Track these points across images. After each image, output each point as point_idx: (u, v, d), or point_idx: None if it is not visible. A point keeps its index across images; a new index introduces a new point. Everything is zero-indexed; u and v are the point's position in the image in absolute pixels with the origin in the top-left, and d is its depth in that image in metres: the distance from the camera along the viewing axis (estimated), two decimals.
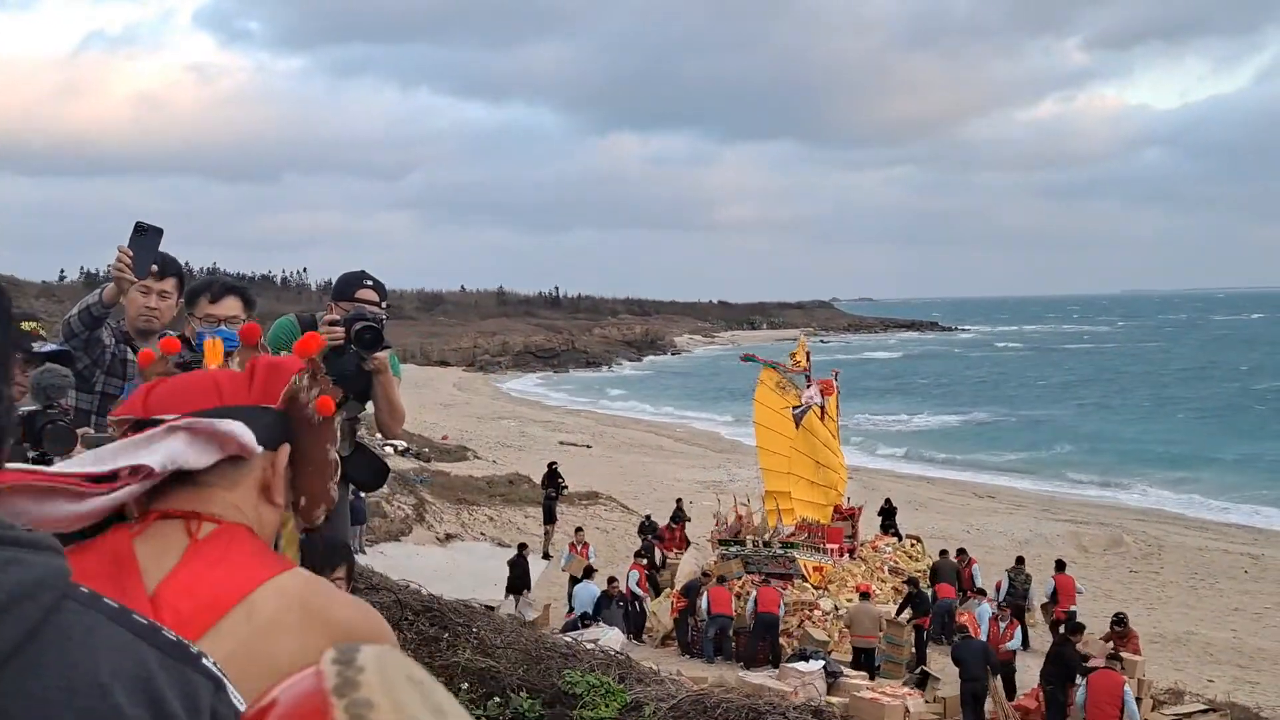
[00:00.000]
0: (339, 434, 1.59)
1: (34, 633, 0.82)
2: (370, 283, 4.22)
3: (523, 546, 21.88)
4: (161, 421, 1.47)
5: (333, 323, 3.96)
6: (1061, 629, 15.72)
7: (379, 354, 3.96)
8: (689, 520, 25.36)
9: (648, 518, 25.36)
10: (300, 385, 1.53)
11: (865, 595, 18.23)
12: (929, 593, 19.18)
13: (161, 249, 4.05)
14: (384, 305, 4.22)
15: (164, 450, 1.42)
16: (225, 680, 0.91)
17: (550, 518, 26.15)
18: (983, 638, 17.15)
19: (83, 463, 1.44)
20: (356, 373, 3.90)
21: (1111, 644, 15.99)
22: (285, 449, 1.52)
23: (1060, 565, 21.12)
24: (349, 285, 4.21)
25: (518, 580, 20.11)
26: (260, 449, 1.47)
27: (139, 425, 1.50)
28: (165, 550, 1.43)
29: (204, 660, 0.92)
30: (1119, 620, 16.51)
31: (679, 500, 26.55)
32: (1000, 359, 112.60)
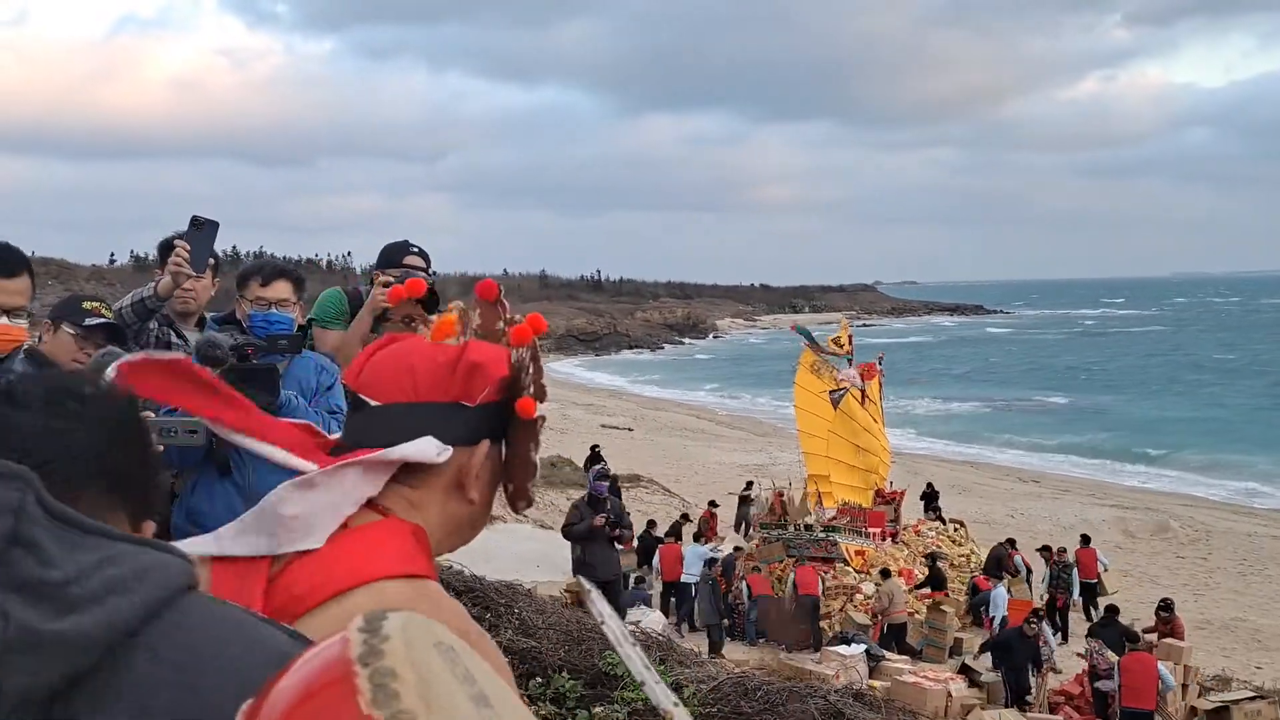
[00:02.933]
0: (539, 435, 1.52)
1: (168, 603, 0.85)
2: (415, 249, 4.31)
3: (651, 524, 21.82)
4: (363, 403, 1.43)
5: (386, 284, 4.02)
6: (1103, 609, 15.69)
7: (434, 317, 3.99)
8: (752, 503, 25.13)
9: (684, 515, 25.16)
10: (521, 383, 1.45)
11: (886, 573, 18.41)
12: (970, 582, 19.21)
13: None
14: (431, 272, 4.29)
15: (328, 499, 1.37)
16: None
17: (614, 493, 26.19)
18: (996, 622, 17.19)
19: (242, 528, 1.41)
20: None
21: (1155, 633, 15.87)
22: (484, 445, 1.44)
23: (1085, 540, 21.12)
24: (394, 253, 4.31)
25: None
26: (449, 451, 1.41)
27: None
28: None
29: None
30: (1165, 606, 16.36)
31: (749, 484, 26.26)
32: (1047, 343, 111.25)
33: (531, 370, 1.48)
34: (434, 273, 4.37)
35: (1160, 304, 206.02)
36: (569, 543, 14.20)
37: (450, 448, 1.41)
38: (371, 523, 1.39)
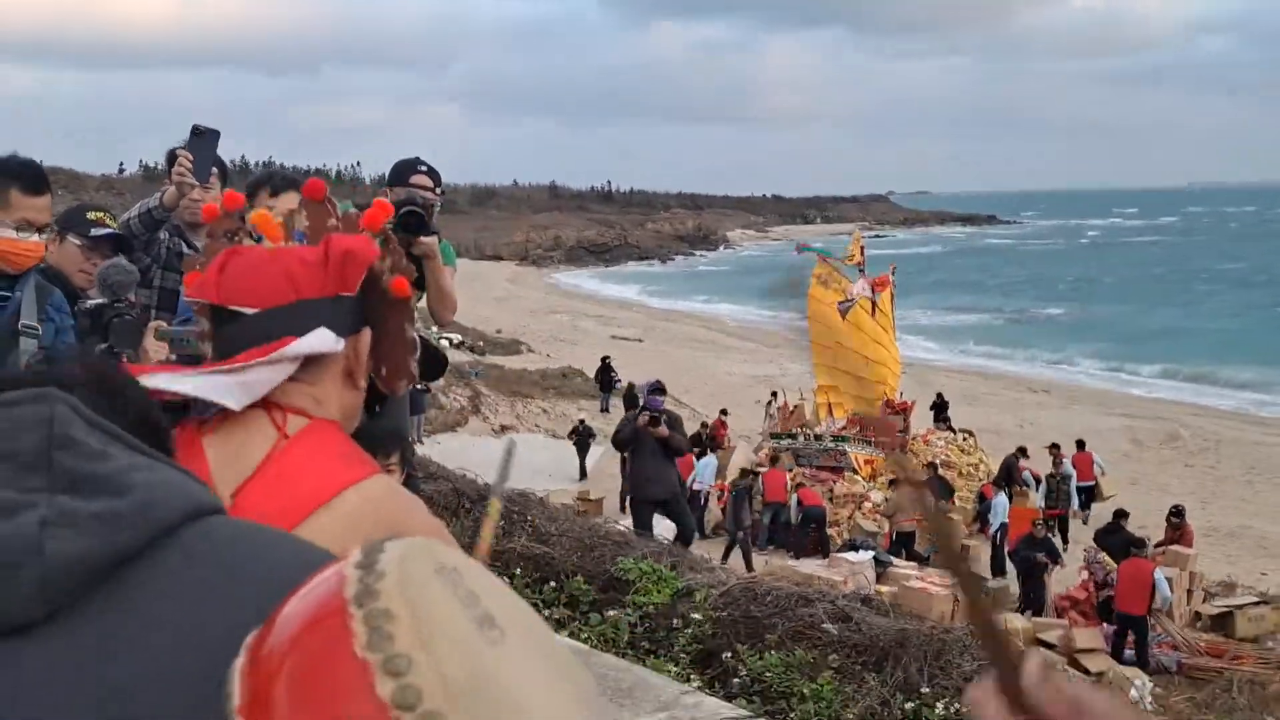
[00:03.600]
0: (414, 312, 1.56)
1: (204, 513, 0.86)
2: (424, 168, 4.25)
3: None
4: (235, 314, 1.43)
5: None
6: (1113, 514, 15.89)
7: (425, 239, 3.97)
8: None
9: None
10: (379, 268, 1.49)
11: (895, 482, 18.57)
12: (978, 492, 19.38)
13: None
14: (439, 191, 4.24)
15: (244, 387, 1.38)
16: None
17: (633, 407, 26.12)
18: (994, 529, 17.42)
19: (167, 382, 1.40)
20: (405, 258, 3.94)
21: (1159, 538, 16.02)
22: (366, 333, 1.48)
23: (1080, 444, 21.25)
24: (403, 171, 4.24)
25: None
26: (341, 342, 1.43)
27: (215, 311, 1.47)
28: (247, 447, 1.39)
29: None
30: (1176, 512, 16.50)
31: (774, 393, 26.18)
32: (1058, 253, 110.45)
33: (390, 254, 1.52)
34: (442, 191, 4.32)
35: (1176, 213, 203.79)
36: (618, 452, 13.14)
37: (342, 339, 1.44)
38: (306, 427, 1.41)
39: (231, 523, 0.90)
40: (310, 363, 1.43)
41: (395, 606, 0.58)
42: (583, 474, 22.79)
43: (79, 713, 0.74)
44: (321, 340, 1.40)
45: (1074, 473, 20.05)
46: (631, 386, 27.05)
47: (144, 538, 0.81)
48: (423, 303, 4.84)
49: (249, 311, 1.42)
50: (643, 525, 11.01)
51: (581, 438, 23.50)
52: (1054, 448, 20.86)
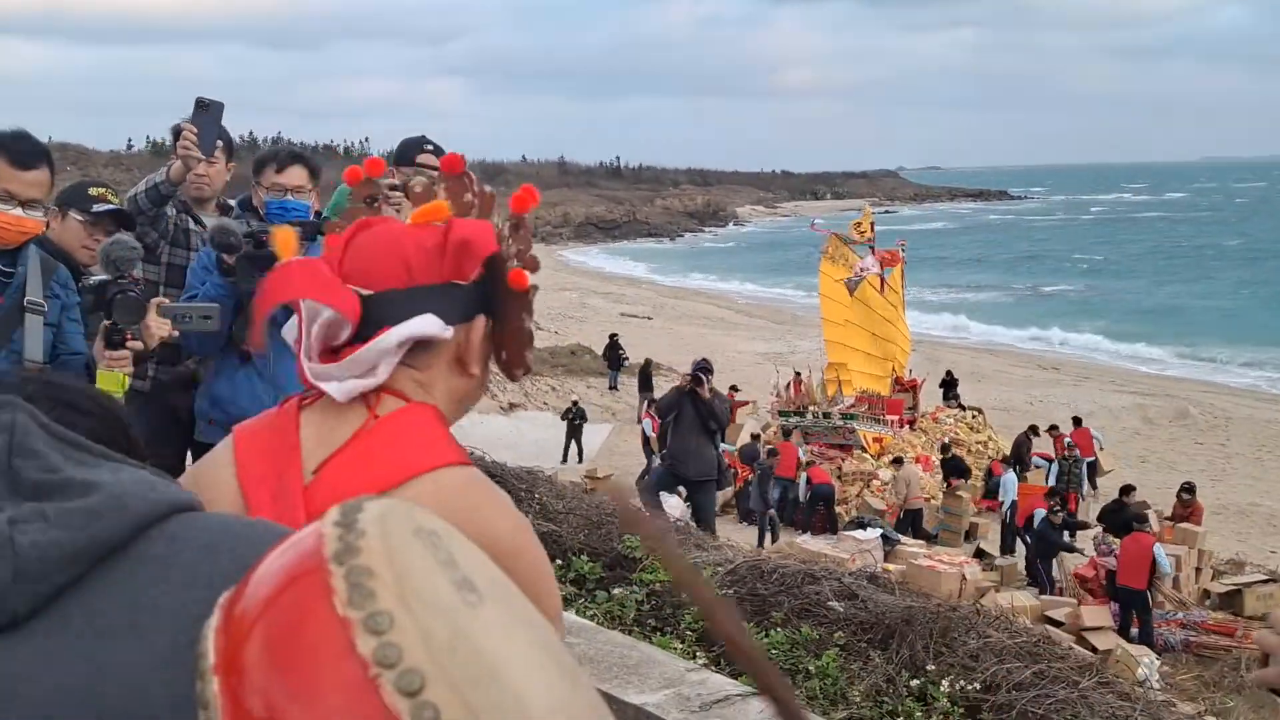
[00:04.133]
0: (533, 306, 1.54)
1: (184, 506, 0.86)
2: (430, 147, 4.29)
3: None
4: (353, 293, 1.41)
5: (393, 188, 4.01)
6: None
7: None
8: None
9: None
10: (505, 253, 1.47)
11: (900, 461, 18.67)
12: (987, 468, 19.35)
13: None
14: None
15: (351, 379, 1.39)
16: None
17: (647, 385, 26.12)
18: (1005, 507, 17.41)
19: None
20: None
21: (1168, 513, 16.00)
22: (480, 321, 1.46)
23: (1077, 421, 21.36)
24: (409, 150, 4.28)
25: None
26: (450, 329, 1.42)
27: None
28: (339, 424, 1.39)
29: None
30: (1187, 489, 16.48)
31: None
32: (1069, 229, 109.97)
33: (517, 241, 1.50)
34: None
35: (1189, 187, 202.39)
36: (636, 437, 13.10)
37: (451, 327, 1.42)
38: (399, 409, 1.40)
39: (212, 515, 0.89)
40: (419, 347, 1.42)
41: (376, 564, 0.57)
42: (574, 458, 21.99)
43: (75, 701, 0.73)
44: (425, 325, 1.39)
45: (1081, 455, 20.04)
46: (647, 364, 27.12)
47: (123, 529, 0.80)
48: None
49: (365, 292, 1.41)
50: (656, 492, 11.01)
51: (573, 419, 22.77)
52: (1053, 429, 20.83)
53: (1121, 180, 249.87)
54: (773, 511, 17.53)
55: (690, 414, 10.95)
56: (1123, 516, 14.49)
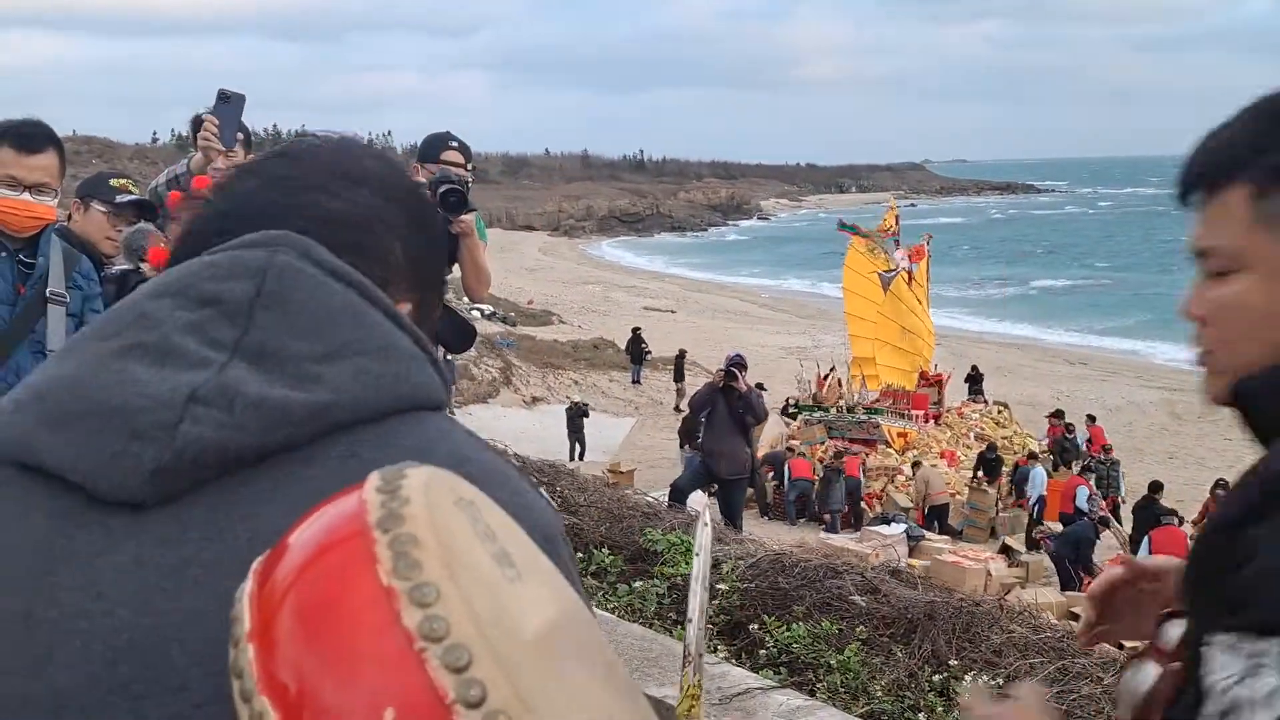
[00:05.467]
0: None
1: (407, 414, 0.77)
2: (455, 144, 4.29)
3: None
4: None
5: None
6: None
7: (464, 217, 4.00)
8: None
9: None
10: None
11: (917, 464, 18.80)
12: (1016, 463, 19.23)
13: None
14: (469, 167, 4.27)
15: None
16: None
17: (680, 376, 26.56)
18: (1032, 502, 17.32)
19: None
20: (442, 235, 3.95)
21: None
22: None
23: (1091, 419, 21.54)
24: (433, 147, 4.27)
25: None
26: None
27: None
28: None
29: None
30: (1223, 485, 16.25)
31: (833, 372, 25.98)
32: (1098, 222, 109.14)
33: None
34: (473, 167, 4.33)
35: None
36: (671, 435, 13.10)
37: None
38: None
39: (446, 428, 0.80)
40: None
41: (422, 533, 0.54)
42: (579, 455, 21.45)
43: (170, 596, 0.68)
44: None
45: (1119, 460, 19.89)
46: (681, 355, 27.30)
47: (307, 436, 0.73)
48: (456, 274, 4.87)
49: None
50: (683, 492, 10.98)
51: (574, 417, 22.32)
52: (1090, 419, 20.72)
53: (1150, 173, 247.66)
54: (829, 516, 17.61)
55: (723, 410, 10.86)
56: (1151, 512, 14.38)
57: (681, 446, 19.39)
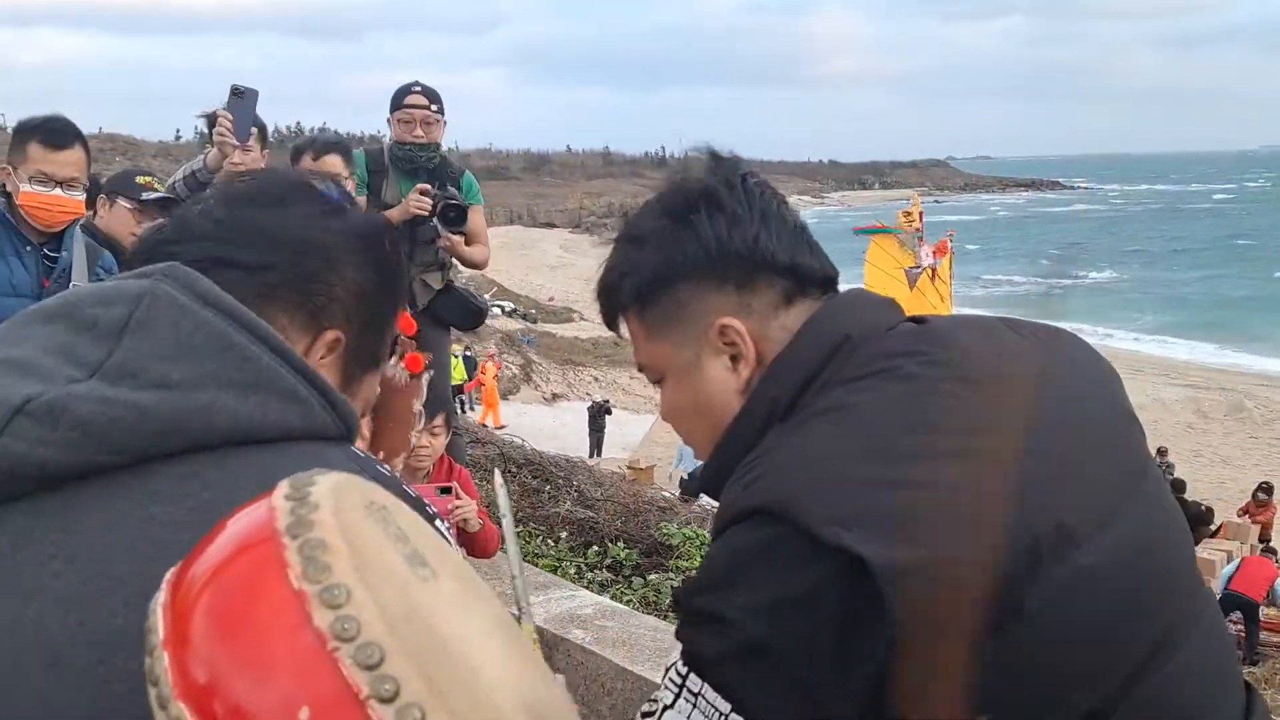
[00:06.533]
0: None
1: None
2: (419, 88, 4.49)
3: None
4: None
5: (424, 192, 4.29)
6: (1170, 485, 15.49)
7: (453, 236, 4.28)
8: None
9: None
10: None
11: None
12: None
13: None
14: (435, 109, 4.49)
15: None
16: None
17: None
18: None
19: None
20: (396, 279, 4.12)
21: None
22: None
23: None
24: (399, 95, 4.49)
25: None
26: None
27: None
28: None
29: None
30: (1265, 488, 15.81)
31: None
32: (1121, 218, 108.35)
33: (401, 347, 1.60)
34: (440, 110, 4.49)
35: (1247, 176, 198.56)
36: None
37: None
38: None
39: (298, 451, 0.82)
40: None
41: (331, 538, 0.55)
42: (597, 453, 21.43)
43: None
44: None
45: (1174, 464, 19.41)
46: None
47: (139, 456, 0.76)
48: (465, 272, 4.95)
49: None
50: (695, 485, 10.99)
51: (596, 415, 22.35)
52: None
53: (1175, 169, 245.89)
54: None
55: None
56: (1184, 511, 14.18)
57: None
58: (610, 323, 1.22)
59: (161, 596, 0.59)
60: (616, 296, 1.18)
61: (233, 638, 0.54)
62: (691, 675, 0.95)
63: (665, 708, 0.97)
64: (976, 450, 0.79)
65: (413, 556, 0.58)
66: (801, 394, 1.05)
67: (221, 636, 0.55)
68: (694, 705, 0.94)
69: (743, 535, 0.95)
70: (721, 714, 0.93)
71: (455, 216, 4.22)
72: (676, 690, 0.96)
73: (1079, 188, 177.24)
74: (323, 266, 0.94)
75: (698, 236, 1.11)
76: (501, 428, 18.75)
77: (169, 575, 0.60)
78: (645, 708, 1.02)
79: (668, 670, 0.99)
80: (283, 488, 0.59)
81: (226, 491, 0.70)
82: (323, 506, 0.57)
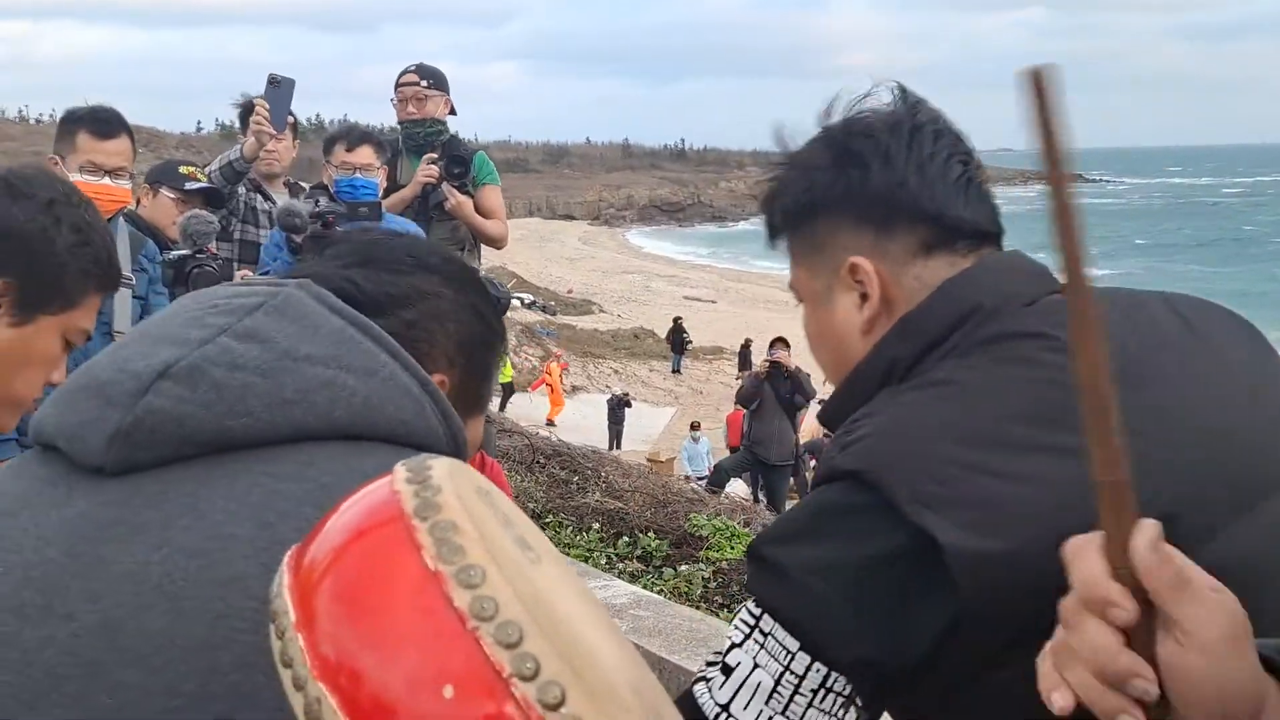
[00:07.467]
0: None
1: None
2: (414, 68, 4.67)
3: None
4: None
5: (432, 160, 4.48)
6: None
7: (462, 199, 4.47)
8: None
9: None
10: None
11: None
12: None
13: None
14: (426, 85, 4.64)
15: None
16: None
17: (746, 364, 26.47)
18: None
19: None
20: (441, 206, 4.51)
21: None
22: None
23: None
24: (397, 77, 4.70)
25: None
26: None
27: None
28: None
29: None
30: None
31: None
32: (1145, 212, 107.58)
33: None
34: (431, 84, 4.65)
35: (1259, 172, 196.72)
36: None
37: None
38: None
39: (368, 452, 0.83)
40: None
41: (458, 519, 0.56)
42: (616, 446, 21.08)
43: (92, 544, 0.74)
44: None
45: None
46: (746, 344, 27.26)
47: (265, 428, 0.78)
48: (486, 265, 5.04)
49: None
50: (726, 474, 11.09)
51: (615, 408, 22.24)
52: None
53: (1195, 162, 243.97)
54: None
55: (771, 397, 11.15)
56: None
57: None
58: (769, 239, 1.24)
59: (285, 578, 0.59)
60: (771, 217, 1.21)
61: (368, 618, 0.55)
62: (765, 617, 0.99)
63: (734, 645, 1.01)
64: (1083, 451, 0.79)
65: (520, 540, 0.59)
66: (922, 359, 1.06)
67: (356, 617, 0.55)
68: (762, 646, 0.98)
69: (830, 495, 0.99)
70: (789, 652, 0.97)
71: (459, 172, 4.45)
72: (748, 630, 1.00)
73: (1105, 181, 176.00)
74: (427, 314, 1.01)
75: (844, 172, 1.13)
76: (552, 424, 19.01)
77: (288, 557, 0.60)
78: (710, 657, 1.05)
79: (737, 613, 1.02)
80: (401, 471, 0.60)
81: (343, 480, 0.72)
82: (445, 490, 0.58)
